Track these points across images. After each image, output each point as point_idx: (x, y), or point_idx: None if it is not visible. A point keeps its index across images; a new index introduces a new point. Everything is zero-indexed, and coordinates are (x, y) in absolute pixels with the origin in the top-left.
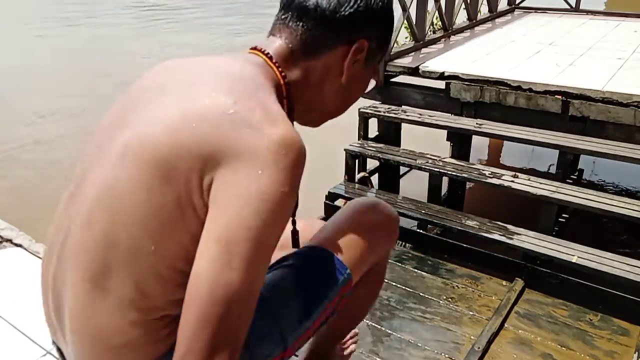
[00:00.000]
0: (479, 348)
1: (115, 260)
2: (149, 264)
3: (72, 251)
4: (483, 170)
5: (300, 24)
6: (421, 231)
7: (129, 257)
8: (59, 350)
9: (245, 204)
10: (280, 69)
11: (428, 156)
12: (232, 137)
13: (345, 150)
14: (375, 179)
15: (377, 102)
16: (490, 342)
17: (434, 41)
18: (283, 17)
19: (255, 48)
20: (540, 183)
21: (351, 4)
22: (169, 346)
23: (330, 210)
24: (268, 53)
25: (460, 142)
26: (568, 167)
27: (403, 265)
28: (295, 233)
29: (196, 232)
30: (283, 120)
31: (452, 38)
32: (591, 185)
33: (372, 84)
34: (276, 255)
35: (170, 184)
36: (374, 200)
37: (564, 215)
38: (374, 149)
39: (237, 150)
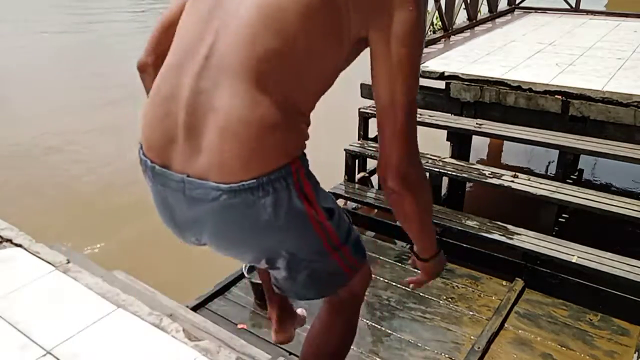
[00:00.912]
0: (479, 348)
1: (277, 69)
2: (301, 77)
3: (230, 60)
4: (483, 170)
5: None
6: None
7: (287, 69)
8: (162, 167)
9: (405, 32)
10: None
11: (428, 156)
12: None
13: (345, 150)
14: (375, 179)
15: None
16: (490, 342)
17: (434, 41)
18: None
19: None
20: (540, 183)
21: None
22: (296, 154)
23: None
24: None
25: (460, 142)
26: (568, 167)
27: (403, 265)
28: None
29: (339, 60)
30: None
31: (452, 38)
32: (591, 185)
33: None
34: None
35: (335, 13)
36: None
37: (564, 215)
38: (374, 149)
39: None
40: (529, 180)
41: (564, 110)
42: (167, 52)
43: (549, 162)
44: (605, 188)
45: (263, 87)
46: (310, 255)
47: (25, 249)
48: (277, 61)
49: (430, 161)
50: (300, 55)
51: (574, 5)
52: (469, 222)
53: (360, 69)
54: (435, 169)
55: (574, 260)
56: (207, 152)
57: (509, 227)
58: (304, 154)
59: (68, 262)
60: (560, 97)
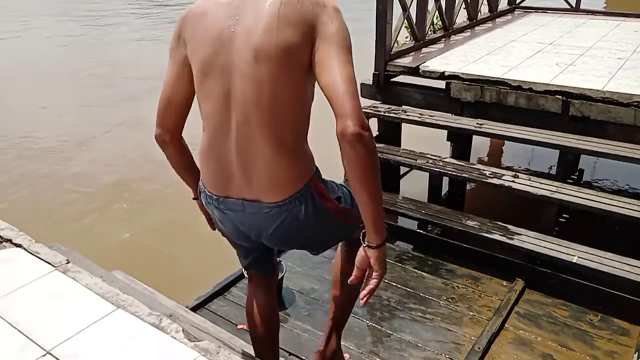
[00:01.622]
0: (479, 348)
1: (283, 116)
2: (297, 109)
3: (252, 131)
4: (483, 170)
5: None
6: (421, 231)
7: (289, 113)
8: (225, 200)
9: (335, 35)
10: None
11: (428, 156)
12: (317, 9)
13: None
14: None
15: (377, 102)
16: (490, 342)
17: (434, 41)
18: None
19: None
20: (541, 183)
21: None
22: (312, 172)
23: None
24: None
25: (460, 142)
26: (568, 167)
27: (403, 266)
28: None
29: (310, 83)
30: None
31: (453, 38)
32: (592, 185)
33: None
34: None
35: (296, 60)
36: None
37: (564, 215)
38: None
39: (321, 16)
40: (529, 180)
41: (564, 110)
42: (176, 125)
43: (550, 162)
44: (606, 188)
45: (278, 136)
46: (336, 230)
47: (25, 249)
48: (282, 110)
49: (430, 161)
50: (291, 99)
51: (574, 5)
52: (470, 222)
53: (359, 70)
54: (436, 169)
55: (574, 261)
56: (256, 187)
57: (510, 227)
58: (316, 167)
59: (68, 262)
60: (560, 97)
